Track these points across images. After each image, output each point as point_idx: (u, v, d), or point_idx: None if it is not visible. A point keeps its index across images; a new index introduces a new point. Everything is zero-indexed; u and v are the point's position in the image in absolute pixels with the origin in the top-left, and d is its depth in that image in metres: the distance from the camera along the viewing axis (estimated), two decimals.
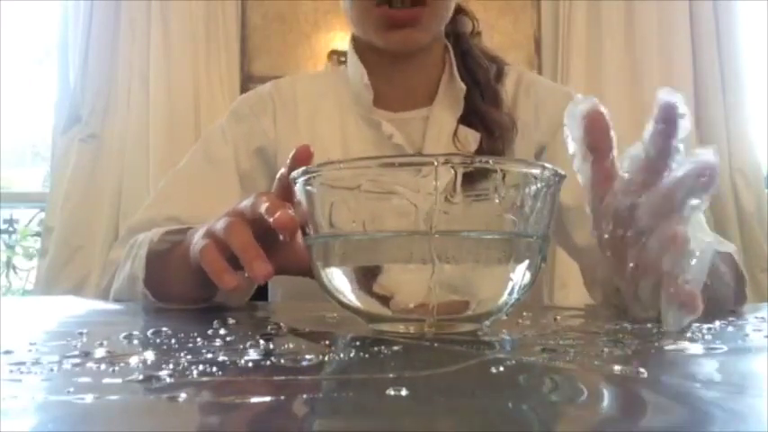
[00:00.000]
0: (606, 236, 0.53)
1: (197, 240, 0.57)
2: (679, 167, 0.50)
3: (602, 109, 0.53)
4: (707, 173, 0.48)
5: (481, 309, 0.40)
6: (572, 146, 0.54)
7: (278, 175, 0.58)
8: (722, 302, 0.65)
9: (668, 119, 0.50)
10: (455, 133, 0.87)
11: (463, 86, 0.88)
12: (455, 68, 0.90)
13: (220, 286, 0.53)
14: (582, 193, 0.56)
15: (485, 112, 0.88)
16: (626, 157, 0.53)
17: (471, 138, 0.87)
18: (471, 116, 0.88)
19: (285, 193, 0.56)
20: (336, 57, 1.04)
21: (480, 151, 0.85)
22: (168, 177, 0.90)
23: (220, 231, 0.55)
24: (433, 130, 0.88)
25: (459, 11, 0.96)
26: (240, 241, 0.53)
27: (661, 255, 0.48)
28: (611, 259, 0.54)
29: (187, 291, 0.64)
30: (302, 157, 0.56)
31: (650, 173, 0.51)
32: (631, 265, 0.51)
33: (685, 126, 0.51)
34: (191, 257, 0.59)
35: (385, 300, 0.40)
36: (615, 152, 0.53)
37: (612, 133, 0.53)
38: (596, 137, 0.53)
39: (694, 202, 0.48)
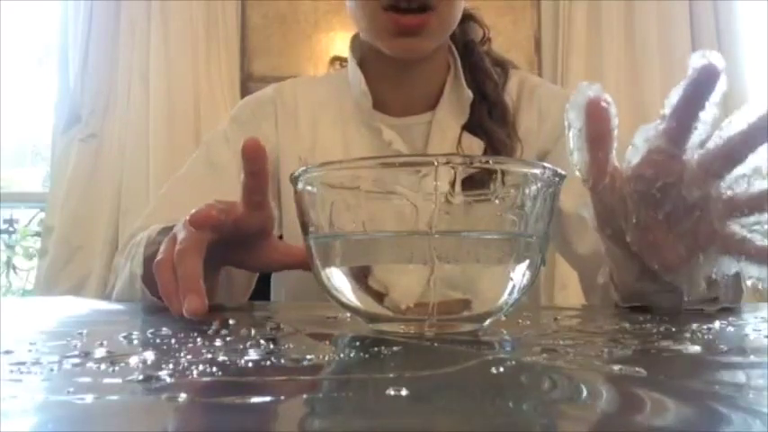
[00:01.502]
0: (632, 226, 0.52)
1: (161, 248, 0.57)
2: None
3: (608, 98, 0.52)
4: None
5: (481, 309, 0.40)
6: (571, 137, 0.53)
7: (241, 180, 0.57)
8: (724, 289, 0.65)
9: (705, 84, 0.49)
10: (459, 141, 0.87)
11: (470, 94, 0.88)
12: (461, 74, 0.89)
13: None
14: (582, 202, 0.56)
15: (491, 130, 0.87)
16: (638, 140, 0.52)
17: (476, 146, 0.86)
18: (476, 128, 0.88)
19: (251, 195, 0.56)
20: (339, 63, 1.03)
21: None
22: (169, 183, 0.90)
23: (176, 252, 0.54)
24: (436, 134, 0.88)
25: (469, 18, 0.95)
26: (184, 269, 0.52)
27: (725, 220, 0.49)
28: (646, 248, 0.53)
29: None
30: (249, 152, 0.55)
31: (672, 145, 0.50)
32: (680, 244, 0.51)
33: (720, 88, 0.49)
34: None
35: (383, 298, 0.40)
36: (615, 145, 0.52)
37: (615, 124, 0.52)
38: (596, 126, 0.52)
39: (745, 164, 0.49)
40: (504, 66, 0.95)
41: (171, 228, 0.70)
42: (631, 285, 0.61)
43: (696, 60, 0.49)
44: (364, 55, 0.92)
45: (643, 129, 0.52)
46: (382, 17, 0.82)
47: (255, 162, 0.55)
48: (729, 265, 0.51)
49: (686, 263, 0.52)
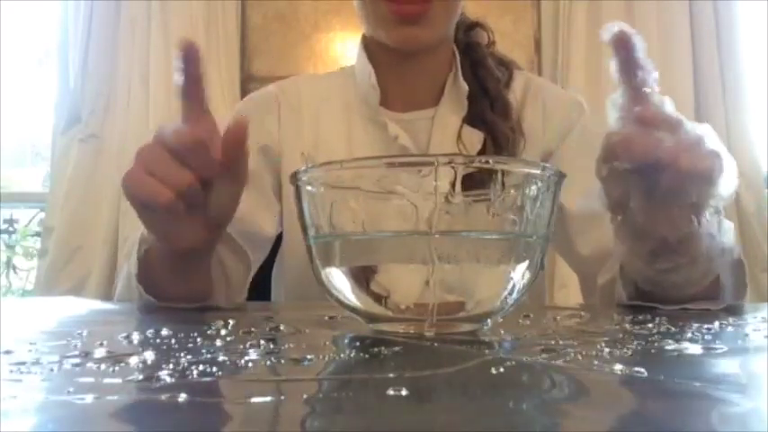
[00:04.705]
0: (642, 206, 0.54)
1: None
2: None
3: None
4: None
5: (481, 309, 0.40)
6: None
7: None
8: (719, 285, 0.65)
9: (625, 44, 0.54)
10: (459, 134, 0.87)
11: (466, 87, 0.89)
12: (459, 70, 0.90)
13: (157, 204, 0.55)
14: (585, 202, 0.57)
15: (492, 122, 0.87)
16: (612, 107, 0.56)
17: (476, 138, 0.87)
18: (476, 121, 0.88)
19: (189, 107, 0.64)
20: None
21: (484, 153, 0.85)
22: None
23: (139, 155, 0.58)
24: (438, 130, 0.89)
25: (476, 25, 0.96)
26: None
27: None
28: (660, 219, 0.55)
29: (175, 286, 0.64)
30: (188, 51, 0.61)
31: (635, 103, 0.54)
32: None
33: (641, 45, 0.55)
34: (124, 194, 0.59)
35: (383, 299, 0.40)
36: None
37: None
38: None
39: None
40: (508, 66, 0.95)
41: None
42: (644, 270, 0.61)
43: (609, 31, 0.55)
44: (370, 51, 0.92)
45: (610, 101, 0.56)
46: (383, 7, 0.83)
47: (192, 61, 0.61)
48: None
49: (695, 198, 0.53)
